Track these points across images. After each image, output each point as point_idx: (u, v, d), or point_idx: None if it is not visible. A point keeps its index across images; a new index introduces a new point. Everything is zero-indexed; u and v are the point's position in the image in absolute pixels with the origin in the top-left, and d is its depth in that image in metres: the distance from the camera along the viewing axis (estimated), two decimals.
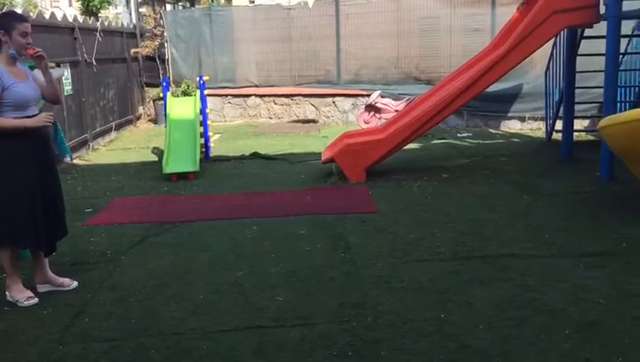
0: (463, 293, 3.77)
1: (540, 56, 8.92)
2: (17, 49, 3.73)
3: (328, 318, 3.49)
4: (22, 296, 3.85)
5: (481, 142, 9.25)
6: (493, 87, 7.75)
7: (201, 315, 3.58)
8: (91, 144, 9.66)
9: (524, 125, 10.21)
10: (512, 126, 10.28)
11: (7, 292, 3.88)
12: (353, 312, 3.55)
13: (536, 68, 9.71)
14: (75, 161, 8.63)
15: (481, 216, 5.37)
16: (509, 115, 10.29)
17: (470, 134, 9.88)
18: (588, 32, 7.32)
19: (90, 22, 10.53)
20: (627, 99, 8.35)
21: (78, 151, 9.12)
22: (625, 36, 7.08)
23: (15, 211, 3.72)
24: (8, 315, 3.67)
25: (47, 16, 9.00)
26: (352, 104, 11.45)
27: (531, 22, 6.51)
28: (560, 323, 3.32)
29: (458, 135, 9.82)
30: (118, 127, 11.15)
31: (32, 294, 3.89)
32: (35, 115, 3.80)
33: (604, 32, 6.40)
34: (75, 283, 4.06)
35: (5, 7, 19.28)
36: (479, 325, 3.35)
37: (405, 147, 7.27)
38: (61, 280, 4.05)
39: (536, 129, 9.98)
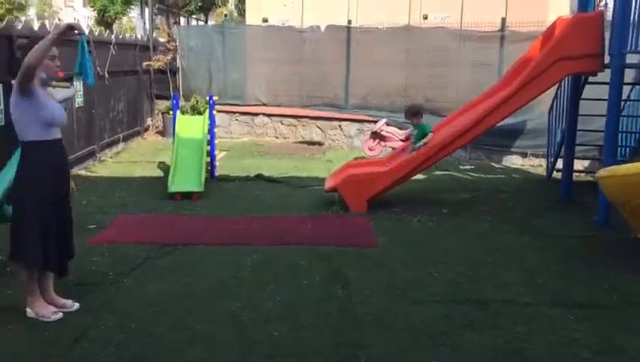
0: (454, 338, 3.86)
1: (546, 95, 9.04)
2: (48, 73, 3.88)
3: (323, 357, 3.58)
4: (47, 311, 3.96)
5: (482, 176, 9.37)
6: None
7: (200, 347, 3.67)
8: (98, 155, 9.80)
9: (525, 161, 10.32)
10: (513, 161, 10.40)
11: (28, 309, 3.98)
12: (347, 352, 3.64)
13: (541, 105, 9.84)
14: (80, 172, 8.75)
15: (478, 257, 5.46)
16: (512, 149, 10.41)
17: (472, 167, 10.00)
18: (592, 77, 7.46)
19: (106, 34, 10.70)
20: (627, 145, 8.47)
21: (85, 162, 9.25)
22: (627, 84, 7.20)
23: (30, 232, 3.83)
24: (10, 335, 3.76)
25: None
26: (358, 129, 11.59)
27: (537, 66, 6.66)
28: None
29: (460, 167, 9.94)
30: (126, 139, 11.29)
31: (56, 309, 4.00)
32: (58, 138, 3.94)
33: (607, 79, 6.53)
34: (77, 305, 4.16)
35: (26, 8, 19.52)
36: None
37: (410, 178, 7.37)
38: (63, 301, 4.15)
39: (537, 165, 10.09)
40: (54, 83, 4.26)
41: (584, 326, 4.05)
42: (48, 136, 3.88)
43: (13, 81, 3.83)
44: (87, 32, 4.07)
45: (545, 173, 9.33)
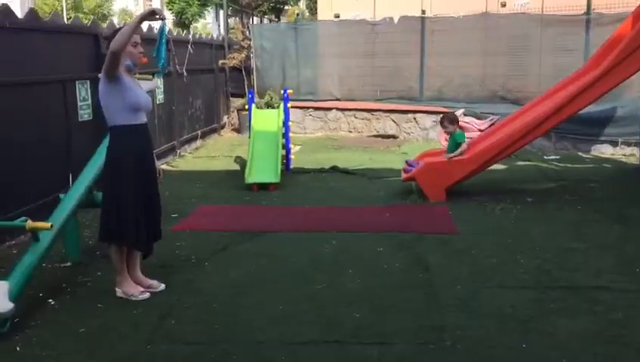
0: (546, 323, 3.65)
1: (637, 78, 8.50)
2: (132, 59, 3.99)
3: (406, 339, 3.48)
4: (136, 290, 4.09)
5: (569, 166, 8.91)
6: (585, 110, 7.47)
7: (281, 326, 3.66)
8: (178, 151, 10.08)
9: (616, 150, 9.73)
10: (603, 150, 9.83)
11: (118, 289, 4.12)
12: (432, 335, 3.52)
13: (631, 90, 9.27)
14: (163, 167, 9.01)
15: (567, 245, 5.17)
16: (601, 138, 9.83)
17: (558, 157, 9.54)
18: None
19: (184, 34, 11.01)
20: None
21: (166, 157, 9.53)
22: None
23: (120, 211, 3.95)
24: (101, 313, 3.89)
25: (144, 28, 9.49)
26: (434, 121, 11.32)
27: (629, 45, 6.24)
28: None
29: (545, 157, 9.50)
30: (204, 135, 11.57)
31: (143, 289, 4.12)
32: (144, 122, 4.05)
33: None
34: (163, 286, 4.26)
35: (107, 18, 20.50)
36: (562, 358, 3.23)
37: (488, 168, 7.12)
38: (150, 281, 4.26)
39: (629, 155, 9.49)
40: (137, 75, 4.38)
41: None
42: (135, 120, 3.99)
43: (100, 75, 3.97)
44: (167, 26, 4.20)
45: (638, 162, 8.76)
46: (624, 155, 9.57)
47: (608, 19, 9.50)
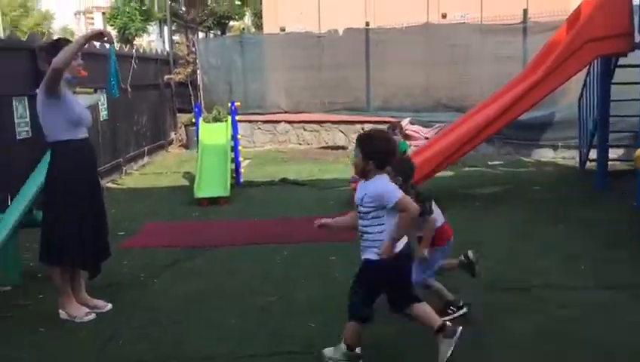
0: (497, 324, 3.70)
1: (572, 84, 8.83)
2: (71, 73, 3.86)
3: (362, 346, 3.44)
4: (80, 312, 3.92)
5: (513, 170, 9.15)
6: (525, 115, 7.70)
7: (232, 340, 3.57)
8: (124, 168, 9.83)
9: (556, 153, 10.07)
10: (544, 154, 10.16)
11: (61, 311, 3.94)
12: (385, 340, 3.50)
13: (568, 96, 9.61)
14: (108, 185, 8.77)
15: (515, 246, 5.28)
16: (541, 143, 10.17)
17: (502, 162, 9.79)
18: (622, 60, 7.24)
19: (126, 49, 10.80)
20: None
21: (111, 175, 9.28)
22: None
23: (62, 229, 3.79)
24: (44, 338, 3.70)
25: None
26: None
27: (565, 50, 6.49)
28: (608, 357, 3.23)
29: (489, 163, 9.73)
30: (150, 152, 11.33)
31: (88, 309, 3.96)
32: (85, 137, 3.91)
33: (638, 61, 6.34)
34: (110, 306, 4.10)
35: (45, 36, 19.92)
36: (516, 356, 3.28)
37: (436, 174, 7.23)
38: (95, 301, 4.10)
39: (569, 158, 9.82)
40: (78, 89, 4.24)
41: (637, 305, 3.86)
42: (76, 135, 3.86)
43: (37, 91, 3.82)
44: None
45: (578, 165, 9.09)
46: (563, 158, 9.91)
47: (544, 27, 9.85)
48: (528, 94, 6.64)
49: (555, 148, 10.11)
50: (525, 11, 10.42)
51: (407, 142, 10.17)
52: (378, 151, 3.05)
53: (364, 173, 3.11)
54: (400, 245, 3.09)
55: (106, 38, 3.93)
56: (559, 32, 7.43)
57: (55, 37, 10.39)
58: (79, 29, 39.42)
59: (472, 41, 10.82)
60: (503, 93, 7.42)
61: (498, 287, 4.30)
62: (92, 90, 6.41)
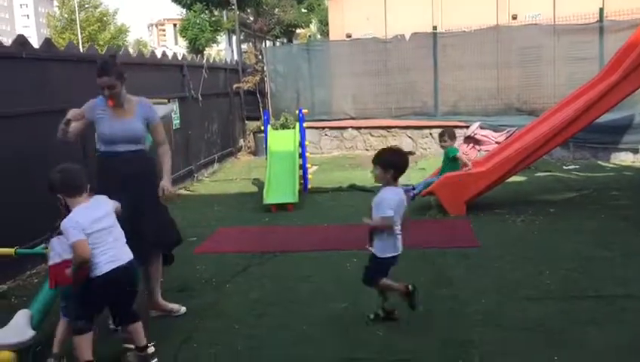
0: (576, 335, 3.55)
1: None
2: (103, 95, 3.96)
3: (433, 355, 3.41)
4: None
5: (589, 175, 8.78)
6: (602, 118, 7.37)
7: (305, 346, 3.60)
8: (196, 175, 10.13)
9: (637, 157, 9.59)
10: (623, 158, 9.69)
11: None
12: (459, 351, 3.44)
13: None
14: (180, 191, 9.05)
15: (593, 254, 5.07)
16: (620, 146, 9.71)
17: (577, 166, 9.41)
18: None
19: (197, 59, 11.13)
20: None
21: (184, 181, 9.57)
22: None
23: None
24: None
25: (159, 54, 9.64)
26: None
27: None
28: None
29: (564, 167, 9.38)
30: (220, 159, 11.62)
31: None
32: (122, 151, 3.95)
33: None
34: (184, 309, 4.22)
35: (122, 48, 20.80)
36: None
37: (508, 180, 7.04)
38: (170, 306, 4.23)
39: None
40: (154, 100, 4.38)
41: None
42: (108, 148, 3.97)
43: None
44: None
45: None
46: None
47: (622, 25, 9.43)
48: (604, 98, 6.36)
49: (635, 151, 9.63)
50: (601, 10, 10.00)
51: (477, 147, 10.04)
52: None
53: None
54: None
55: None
56: (637, 33, 7.07)
57: (130, 49, 10.87)
58: (152, 40, 40.97)
59: (545, 42, 10.49)
60: (579, 96, 7.14)
61: (575, 296, 4.13)
62: (166, 100, 6.64)
